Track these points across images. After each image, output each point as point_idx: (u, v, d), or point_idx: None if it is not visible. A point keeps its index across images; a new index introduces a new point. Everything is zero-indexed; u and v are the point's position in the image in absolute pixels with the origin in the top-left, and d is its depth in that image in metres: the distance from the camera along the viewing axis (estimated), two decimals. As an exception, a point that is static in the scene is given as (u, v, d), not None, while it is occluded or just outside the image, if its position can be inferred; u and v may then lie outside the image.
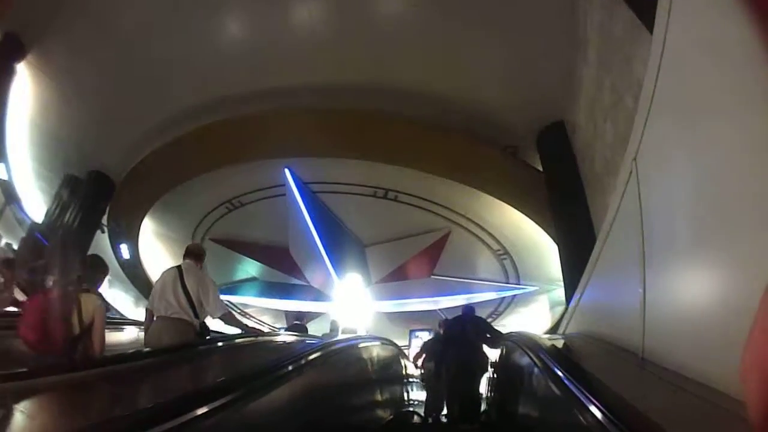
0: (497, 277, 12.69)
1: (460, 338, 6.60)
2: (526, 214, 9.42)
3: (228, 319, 4.72)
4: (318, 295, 13.63)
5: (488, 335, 6.62)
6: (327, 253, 11.44)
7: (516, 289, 12.96)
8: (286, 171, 9.83)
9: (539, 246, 10.33)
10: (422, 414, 7.50)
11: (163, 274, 4.56)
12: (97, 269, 3.97)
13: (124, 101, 9.09)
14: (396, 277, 13.12)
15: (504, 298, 13.81)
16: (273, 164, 9.56)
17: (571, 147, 8.51)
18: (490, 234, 10.79)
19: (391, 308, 14.76)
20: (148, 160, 9.81)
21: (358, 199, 10.29)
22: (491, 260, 11.90)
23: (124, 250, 12.22)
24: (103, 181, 10.97)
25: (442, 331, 7.57)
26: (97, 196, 10.92)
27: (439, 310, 14.78)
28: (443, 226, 11.01)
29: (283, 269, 13.06)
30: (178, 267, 4.52)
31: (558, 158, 8.82)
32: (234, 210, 11.15)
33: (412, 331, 15.43)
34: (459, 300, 13.67)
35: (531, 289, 12.78)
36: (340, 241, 11.64)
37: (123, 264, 12.57)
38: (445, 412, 7.23)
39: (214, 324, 4.98)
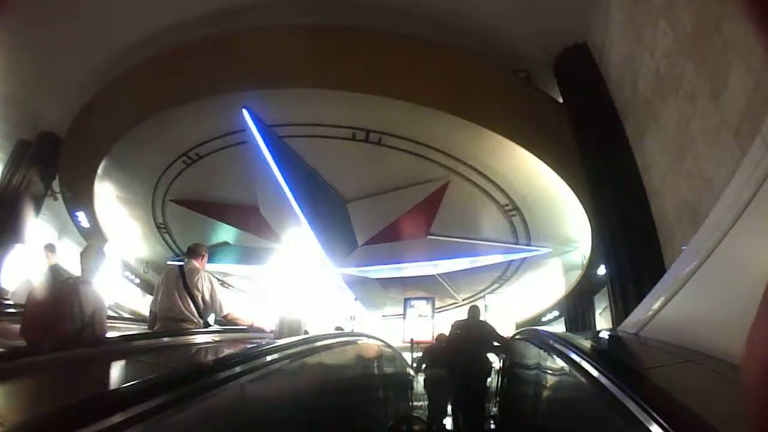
0: (505, 236, 10.92)
1: (466, 344, 6.42)
2: (540, 158, 7.57)
3: (231, 318, 4.63)
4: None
5: (495, 342, 6.48)
6: (302, 211, 9.75)
7: (526, 251, 11.23)
8: (245, 112, 7.95)
9: (554, 199, 8.65)
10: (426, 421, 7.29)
11: (165, 273, 4.61)
12: (96, 259, 3.87)
13: (66, 47, 7.96)
14: (386, 238, 11.37)
15: (512, 261, 12.13)
16: (229, 105, 7.76)
17: (599, 72, 6.98)
18: (496, 184, 8.95)
19: (383, 274, 13.10)
20: (89, 108, 8.50)
21: (334, 143, 8.44)
22: (498, 217, 10.09)
23: (83, 218, 10.92)
24: (54, 142, 9.95)
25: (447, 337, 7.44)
26: (46, 158, 10.01)
27: (439, 275, 13.33)
28: (440, 175, 9.14)
29: (256, 231, 11.34)
30: (180, 267, 4.55)
31: (583, 86, 7.25)
32: (192, 164, 9.45)
33: (407, 300, 14.02)
34: (461, 263, 12.23)
35: (544, 251, 11.06)
36: (317, 197, 9.86)
37: (85, 234, 11.42)
38: (449, 419, 7.17)
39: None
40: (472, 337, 6.41)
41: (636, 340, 2.18)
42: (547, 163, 7.62)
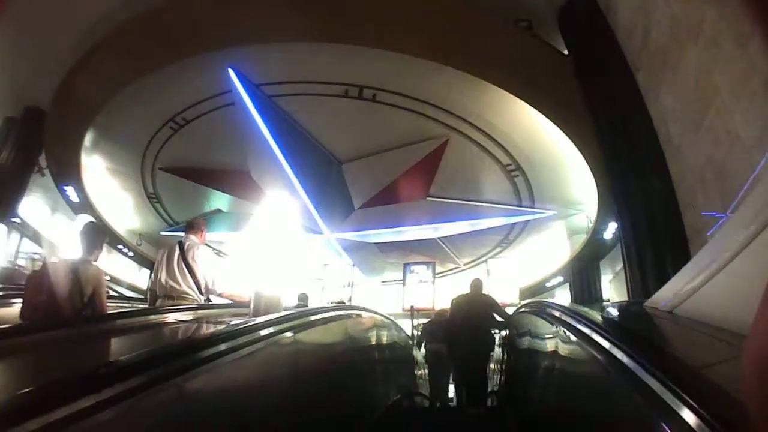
0: (507, 198, 10.54)
1: (467, 318, 6.27)
2: (544, 114, 7.14)
3: (227, 296, 4.53)
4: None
5: (497, 317, 6.32)
6: (295, 174, 9.43)
7: (529, 213, 10.86)
8: (231, 72, 7.52)
9: (559, 158, 8.25)
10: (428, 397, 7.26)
11: (165, 249, 4.50)
12: (95, 237, 3.79)
13: (44, 17, 7.38)
14: (384, 200, 11.05)
15: (515, 224, 11.78)
16: (214, 64, 7.34)
17: (606, 21, 6.44)
18: (497, 143, 8.52)
19: (382, 238, 12.81)
20: (70, 79, 7.97)
21: (326, 101, 8.01)
22: (500, 177, 9.69)
23: (72, 193, 10.63)
24: (39, 117, 9.50)
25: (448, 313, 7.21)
26: (32, 134, 9.62)
27: (440, 239, 13.05)
28: (438, 133, 8.71)
29: (249, 197, 10.92)
30: (180, 242, 4.48)
31: (590, 36, 6.69)
32: (180, 130, 9.10)
33: (407, 265, 13.65)
34: (462, 226, 11.87)
35: (548, 213, 10.69)
36: (310, 159, 9.48)
37: (75, 209, 11.19)
38: (452, 394, 7.24)
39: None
40: (474, 312, 6.25)
41: (673, 320, 1.81)
42: (551, 120, 7.19)
